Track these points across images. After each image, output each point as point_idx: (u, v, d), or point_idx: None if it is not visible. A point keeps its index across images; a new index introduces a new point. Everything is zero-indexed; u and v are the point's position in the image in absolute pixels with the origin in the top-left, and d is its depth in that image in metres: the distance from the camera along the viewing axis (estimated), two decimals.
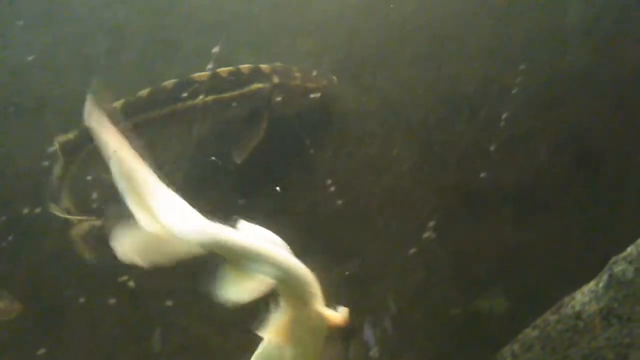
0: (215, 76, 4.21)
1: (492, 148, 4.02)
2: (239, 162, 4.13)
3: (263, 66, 4.32)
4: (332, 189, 4.16)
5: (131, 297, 3.88)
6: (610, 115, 4.01)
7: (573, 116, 4.11)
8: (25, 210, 3.98)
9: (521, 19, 4.33)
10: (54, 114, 4.13)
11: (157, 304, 3.94)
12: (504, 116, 4.05)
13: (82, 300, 3.83)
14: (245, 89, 4.25)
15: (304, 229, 4.04)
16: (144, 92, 4.17)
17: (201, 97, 4.17)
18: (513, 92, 4.09)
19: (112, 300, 3.93)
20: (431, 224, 4.05)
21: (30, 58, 4.04)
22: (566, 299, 3.22)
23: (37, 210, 3.95)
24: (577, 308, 3.15)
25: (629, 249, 3.03)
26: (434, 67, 4.39)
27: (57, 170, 3.95)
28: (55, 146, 3.90)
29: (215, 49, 4.19)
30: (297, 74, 4.36)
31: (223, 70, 4.24)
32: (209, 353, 3.99)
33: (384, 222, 4.23)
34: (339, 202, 4.13)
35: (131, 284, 3.87)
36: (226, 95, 4.22)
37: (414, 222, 4.03)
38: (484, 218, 4.09)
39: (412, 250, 4.06)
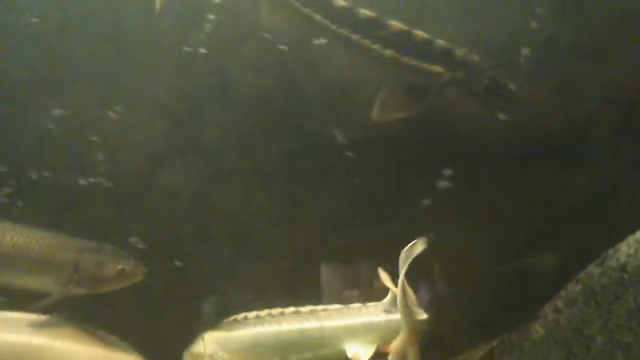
0: (408, 35, 3.74)
1: (535, 97, 3.85)
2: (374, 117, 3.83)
3: (459, 52, 3.74)
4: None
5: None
6: None
7: (622, 63, 3.89)
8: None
9: None
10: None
11: None
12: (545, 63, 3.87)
13: None
14: (424, 65, 3.75)
15: None
16: (339, 2, 3.76)
17: (381, 45, 3.79)
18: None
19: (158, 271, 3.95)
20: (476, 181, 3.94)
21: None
22: (610, 251, 3.06)
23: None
24: (622, 260, 3.00)
25: None
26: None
27: None
28: None
29: None
30: (486, 80, 3.71)
31: (420, 33, 3.75)
32: None
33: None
34: None
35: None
36: (404, 58, 3.77)
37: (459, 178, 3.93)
38: (529, 174, 3.92)
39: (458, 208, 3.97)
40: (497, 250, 4.03)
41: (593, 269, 3.10)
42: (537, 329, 3.27)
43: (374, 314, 3.38)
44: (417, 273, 3.54)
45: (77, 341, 3.51)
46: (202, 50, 4.16)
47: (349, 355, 3.27)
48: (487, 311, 3.88)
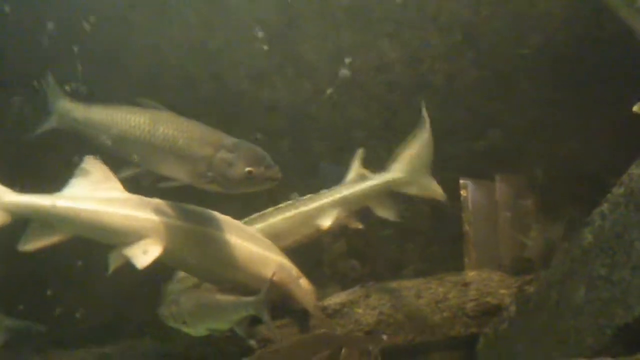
0: None
1: None
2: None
3: None
4: None
5: None
6: None
7: None
8: None
9: None
10: None
11: None
12: None
13: None
14: None
15: None
16: None
17: None
18: None
19: None
20: None
21: None
22: None
23: None
24: None
25: None
26: None
27: None
28: None
29: None
30: None
31: None
32: None
33: None
34: None
35: None
36: None
37: None
38: None
39: None
40: None
41: (634, 169, 2.83)
42: (587, 236, 3.05)
43: (335, 194, 3.95)
44: None
45: (243, 238, 3.74)
46: None
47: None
48: None
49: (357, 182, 4.00)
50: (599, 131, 4.09)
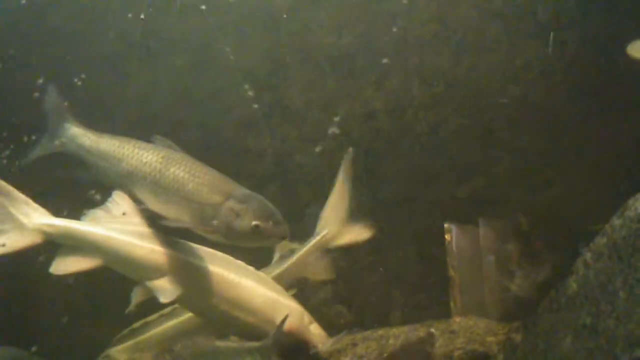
0: None
1: None
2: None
3: None
4: None
5: None
6: None
7: None
8: None
9: None
10: None
11: None
12: None
13: None
14: None
15: None
16: None
17: None
18: None
19: None
20: None
21: None
22: (630, 201, 2.84)
23: None
24: None
25: None
26: None
27: None
28: None
29: None
30: None
31: None
32: None
33: None
34: None
35: None
36: None
37: None
38: None
39: None
40: None
41: (615, 220, 2.88)
42: (572, 284, 3.10)
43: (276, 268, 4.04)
44: None
45: (257, 282, 3.75)
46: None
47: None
48: None
49: (285, 258, 4.05)
50: (578, 178, 4.17)
